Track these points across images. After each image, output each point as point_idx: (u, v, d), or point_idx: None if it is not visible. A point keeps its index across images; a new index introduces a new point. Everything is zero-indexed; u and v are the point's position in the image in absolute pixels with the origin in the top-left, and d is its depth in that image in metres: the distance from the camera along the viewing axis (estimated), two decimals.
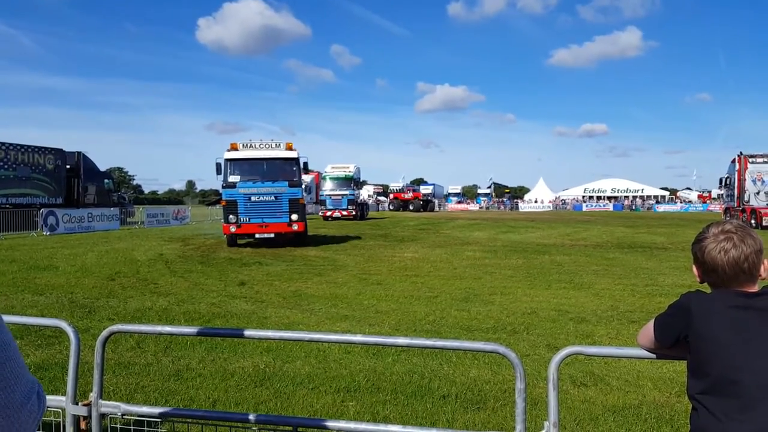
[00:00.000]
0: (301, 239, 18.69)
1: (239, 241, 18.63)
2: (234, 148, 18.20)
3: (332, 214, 38.49)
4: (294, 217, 17.86)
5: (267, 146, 18.56)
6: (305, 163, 18.94)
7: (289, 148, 18.52)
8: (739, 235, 1.72)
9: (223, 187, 17.89)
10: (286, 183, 17.96)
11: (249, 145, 18.43)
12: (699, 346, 1.69)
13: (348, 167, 40.91)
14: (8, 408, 0.96)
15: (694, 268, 1.85)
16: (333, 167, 40.97)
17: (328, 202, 38.96)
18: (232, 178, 17.77)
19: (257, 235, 17.77)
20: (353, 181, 39.73)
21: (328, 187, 39.47)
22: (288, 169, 18.38)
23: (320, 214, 40.51)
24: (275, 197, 17.78)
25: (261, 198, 17.74)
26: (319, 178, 42.38)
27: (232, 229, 17.60)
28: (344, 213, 38.45)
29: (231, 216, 17.59)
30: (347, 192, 39.07)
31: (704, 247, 1.76)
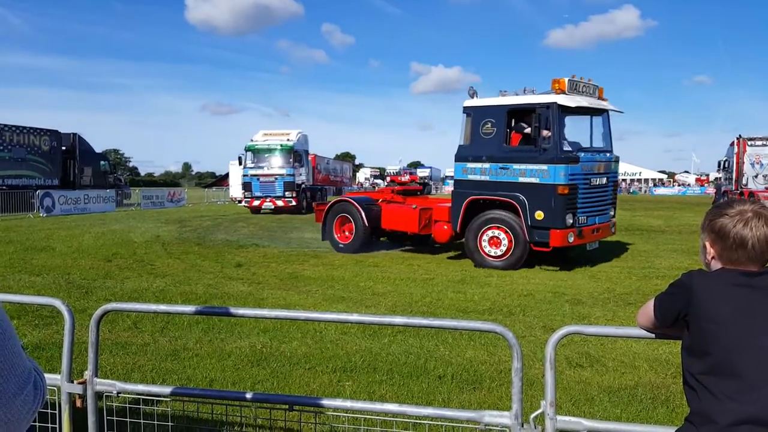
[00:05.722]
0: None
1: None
2: (561, 89, 10.18)
3: (261, 204, 25.63)
4: (612, 213, 11.40)
5: (589, 89, 11.04)
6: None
7: (600, 97, 11.27)
8: (765, 215, 1.68)
9: (554, 162, 9.88)
10: (612, 156, 11.32)
11: (580, 87, 10.63)
12: (699, 326, 1.67)
13: (288, 134, 27.31)
14: (0, 398, 0.95)
15: (708, 245, 1.77)
16: (266, 134, 27.58)
17: (254, 186, 26.02)
18: (568, 145, 10.33)
19: (588, 246, 10.89)
20: (294, 155, 26.15)
21: (256, 164, 26.32)
22: (607, 131, 11.49)
23: (241, 202, 27.79)
24: (607, 179, 11.05)
25: (599, 181, 10.75)
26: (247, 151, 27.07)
27: (570, 238, 9.89)
28: (280, 203, 25.46)
29: (569, 216, 9.90)
30: (284, 171, 25.76)
31: (729, 223, 1.70)
